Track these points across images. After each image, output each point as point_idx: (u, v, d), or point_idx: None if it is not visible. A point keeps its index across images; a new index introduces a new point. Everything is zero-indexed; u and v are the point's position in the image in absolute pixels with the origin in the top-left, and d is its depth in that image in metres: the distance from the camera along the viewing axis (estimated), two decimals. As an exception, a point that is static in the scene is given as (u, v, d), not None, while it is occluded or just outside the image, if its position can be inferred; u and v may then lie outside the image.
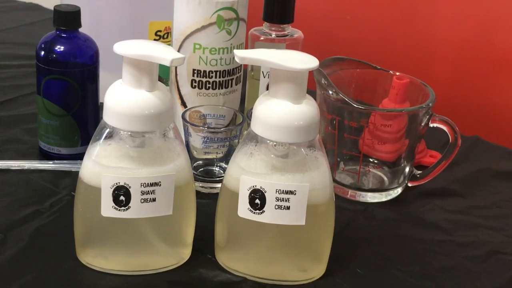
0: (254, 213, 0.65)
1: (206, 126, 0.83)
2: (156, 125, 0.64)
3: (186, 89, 0.84)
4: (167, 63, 0.61)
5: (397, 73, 0.88)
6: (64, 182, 0.82)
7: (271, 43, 0.89)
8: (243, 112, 0.92)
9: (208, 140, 0.80)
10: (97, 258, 0.68)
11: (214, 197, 0.72)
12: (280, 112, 0.63)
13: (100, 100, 0.78)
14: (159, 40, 0.94)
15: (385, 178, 0.86)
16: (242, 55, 0.64)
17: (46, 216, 0.75)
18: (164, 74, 0.93)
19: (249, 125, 0.67)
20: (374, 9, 1.22)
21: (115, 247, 0.67)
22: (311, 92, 0.70)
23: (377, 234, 0.78)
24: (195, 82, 0.84)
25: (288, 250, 0.68)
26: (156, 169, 0.64)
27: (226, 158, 0.81)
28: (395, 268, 0.72)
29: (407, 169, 0.85)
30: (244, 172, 0.65)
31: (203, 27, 0.81)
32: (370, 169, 0.86)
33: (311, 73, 0.65)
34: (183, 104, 0.85)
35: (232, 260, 0.69)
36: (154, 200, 0.64)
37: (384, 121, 0.81)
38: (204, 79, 0.83)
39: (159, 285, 0.67)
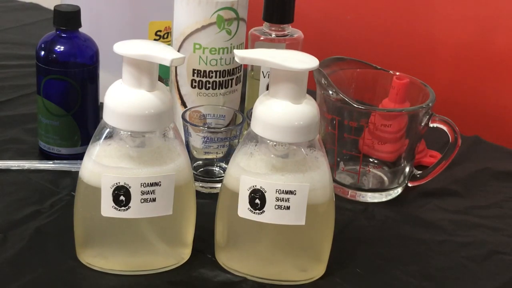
0: (254, 213, 0.65)
1: (206, 126, 0.83)
2: (156, 125, 0.64)
3: (186, 89, 0.84)
4: (167, 63, 0.61)
5: (397, 73, 0.88)
6: (64, 182, 0.82)
7: (271, 43, 0.89)
8: (243, 112, 0.92)
9: (208, 140, 0.80)
10: (97, 258, 0.68)
11: (214, 197, 0.72)
12: (280, 112, 0.63)
13: (100, 100, 0.78)
14: (159, 40, 0.94)
15: (385, 178, 0.86)
16: (242, 55, 0.64)
17: (46, 216, 0.75)
18: (164, 74, 0.93)
19: (249, 125, 0.67)
20: (374, 9, 1.22)
21: (115, 247, 0.67)
22: (311, 92, 0.70)
23: (377, 234, 0.78)
24: (195, 82, 0.84)
25: (288, 250, 0.68)
26: (156, 169, 0.64)
27: (226, 158, 0.81)
28: (395, 268, 0.72)
29: (407, 169, 0.85)
30: (244, 172, 0.65)
31: (203, 27, 0.81)
32: (370, 169, 0.86)
33: (311, 73, 0.65)
34: (183, 104, 0.85)
35: (232, 260, 0.69)
36: (154, 200, 0.64)
37: (384, 121, 0.81)
38: (204, 79, 0.83)
39: (159, 285, 0.67)
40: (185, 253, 0.70)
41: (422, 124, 0.82)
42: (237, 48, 0.84)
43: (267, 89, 0.66)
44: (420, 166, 0.92)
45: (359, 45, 1.23)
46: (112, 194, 0.63)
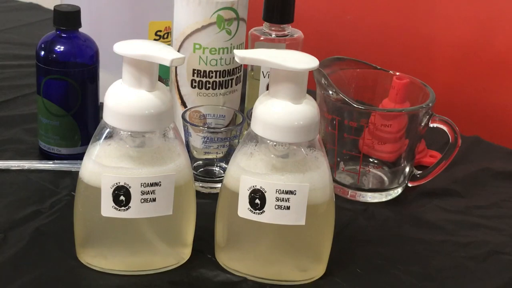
0: (254, 213, 0.65)
1: (206, 126, 0.83)
2: (156, 125, 0.64)
3: (186, 89, 0.84)
4: (167, 63, 0.61)
5: (397, 73, 0.88)
6: (64, 182, 0.82)
7: (271, 43, 0.89)
8: (243, 112, 0.92)
9: (208, 140, 0.80)
10: (97, 258, 0.68)
11: (214, 197, 0.72)
12: (280, 112, 0.63)
13: (100, 100, 0.78)
14: (159, 40, 0.94)
15: (385, 178, 0.86)
16: (242, 55, 0.64)
17: (46, 216, 0.75)
18: (164, 74, 0.93)
19: (249, 125, 0.67)
20: (374, 9, 1.22)
21: (115, 247, 0.67)
22: (311, 92, 0.70)
23: (377, 234, 0.78)
24: (195, 82, 0.84)
25: (288, 250, 0.68)
26: (156, 169, 0.64)
27: (226, 158, 0.81)
28: (395, 268, 0.72)
29: (407, 169, 0.85)
30: (244, 172, 0.65)
31: (203, 27, 0.81)
32: (370, 169, 0.86)
33: (311, 73, 0.65)
34: (183, 104, 0.85)
35: (232, 260, 0.69)
36: (154, 200, 0.64)
37: (384, 121, 0.81)
38: (204, 79, 0.83)
39: (159, 285, 0.67)
40: (185, 253, 0.70)
41: (422, 124, 0.82)
42: (237, 48, 0.84)
43: (267, 89, 0.66)
44: (420, 166, 0.92)
45: (359, 45, 1.23)
46: (112, 194, 0.63)
